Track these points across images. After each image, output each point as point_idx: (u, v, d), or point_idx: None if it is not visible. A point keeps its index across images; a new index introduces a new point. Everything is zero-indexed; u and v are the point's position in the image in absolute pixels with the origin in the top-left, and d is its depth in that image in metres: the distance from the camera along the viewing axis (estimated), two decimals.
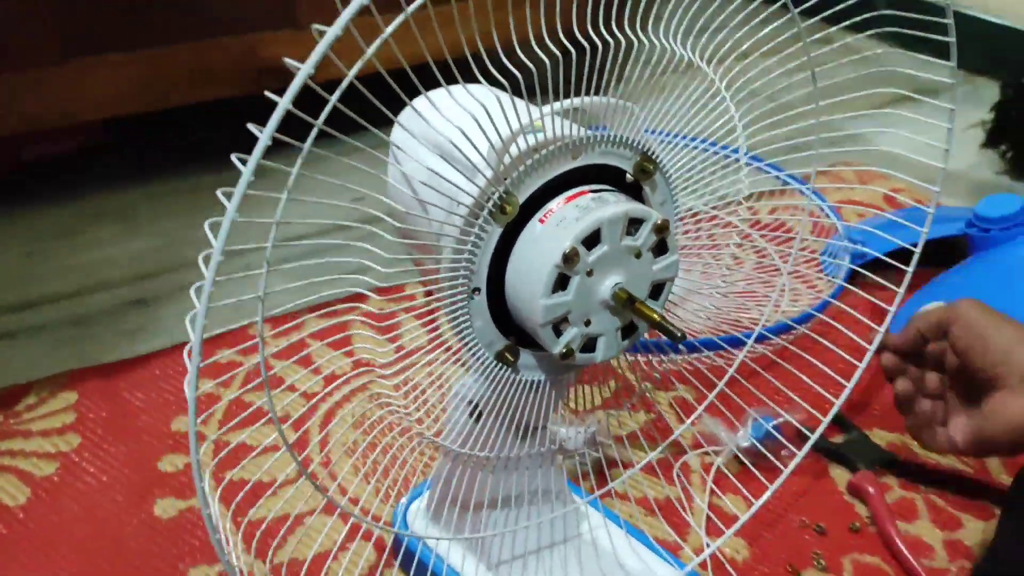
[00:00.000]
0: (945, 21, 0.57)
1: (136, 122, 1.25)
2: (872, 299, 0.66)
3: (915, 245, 0.65)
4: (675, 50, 0.53)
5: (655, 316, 0.48)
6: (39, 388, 0.87)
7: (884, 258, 0.66)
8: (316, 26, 0.36)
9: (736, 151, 0.62)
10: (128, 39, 1.15)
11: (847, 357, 0.66)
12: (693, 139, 0.57)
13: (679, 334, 0.47)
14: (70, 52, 1.11)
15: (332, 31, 0.35)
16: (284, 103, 0.35)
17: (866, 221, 1.16)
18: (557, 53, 0.47)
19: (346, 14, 0.35)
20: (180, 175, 1.30)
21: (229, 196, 0.35)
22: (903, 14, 0.57)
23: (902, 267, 0.64)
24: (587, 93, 0.50)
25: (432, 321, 0.52)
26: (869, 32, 0.59)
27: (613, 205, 0.48)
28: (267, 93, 0.36)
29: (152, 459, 0.79)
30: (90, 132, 1.32)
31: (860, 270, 0.68)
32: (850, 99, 0.60)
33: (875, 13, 0.59)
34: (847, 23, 0.59)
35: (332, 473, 0.76)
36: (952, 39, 0.57)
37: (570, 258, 0.47)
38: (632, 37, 0.51)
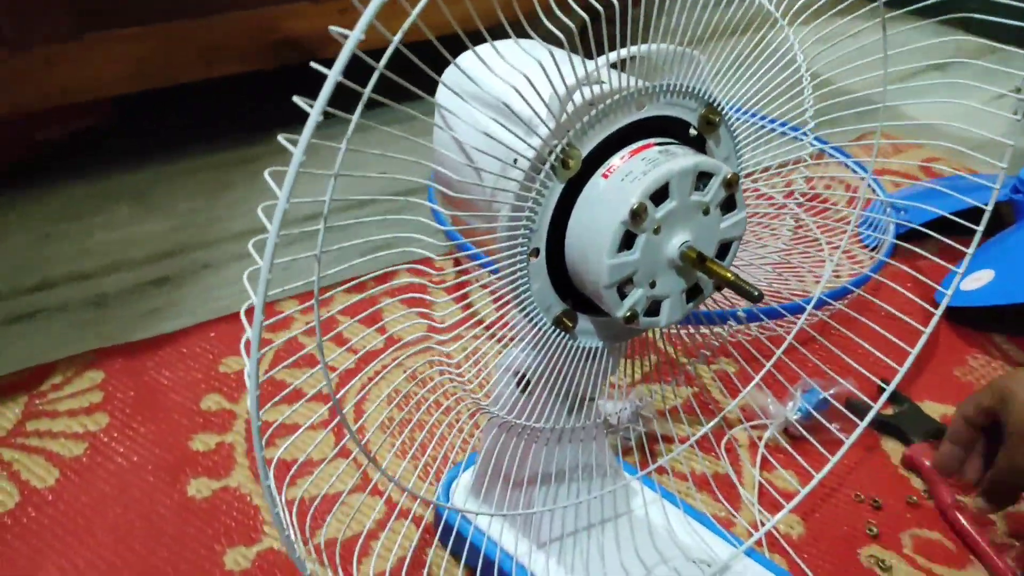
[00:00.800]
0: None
1: (147, 100, 1.22)
2: (937, 259, 0.63)
3: (987, 205, 0.61)
4: None
5: (729, 275, 0.45)
6: (64, 368, 0.85)
7: (939, 223, 0.64)
8: None
9: (795, 128, 0.59)
10: (142, 14, 1.12)
11: (909, 320, 0.63)
12: (763, 117, 0.54)
13: (756, 293, 0.44)
14: (84, 27, 1.09)
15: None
16: (334, 74, 0.32)
17: (905, 191, 1.13)
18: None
19: None
20: (194, 153, 1.28)
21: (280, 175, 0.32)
22: None
23: (935, 235, 0.61)
24: (645, 41, 0.47)
25: (462, 292, 0.49)
26: (949, 15, 0.56)
27: (682, 157, 0.45)
28: (314, 64, 0.33)
29: (183, 438, 0.77)
30: (100, 112, 1.29)
31: (926, 229, 0.65)
32: (905, 68, 0.57)
33: None
34: (929, 1, 0.56)
35: (373, 453, 0.74)
36: None
37: (638, 214, 0.44)
38: None
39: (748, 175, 0.60)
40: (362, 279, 0.49)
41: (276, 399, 0.50)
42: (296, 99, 0.32)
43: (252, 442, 0.75)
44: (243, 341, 0.35)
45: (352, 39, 0.30)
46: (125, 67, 1.13)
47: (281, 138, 0.32)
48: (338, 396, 0.45)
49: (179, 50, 1.17)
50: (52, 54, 1.07)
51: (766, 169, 0.60)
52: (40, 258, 1.05)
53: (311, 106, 0.31)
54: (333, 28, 0.32)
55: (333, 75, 0.30)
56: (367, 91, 0.36)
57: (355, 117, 0.36)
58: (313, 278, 0.40)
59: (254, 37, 1.19)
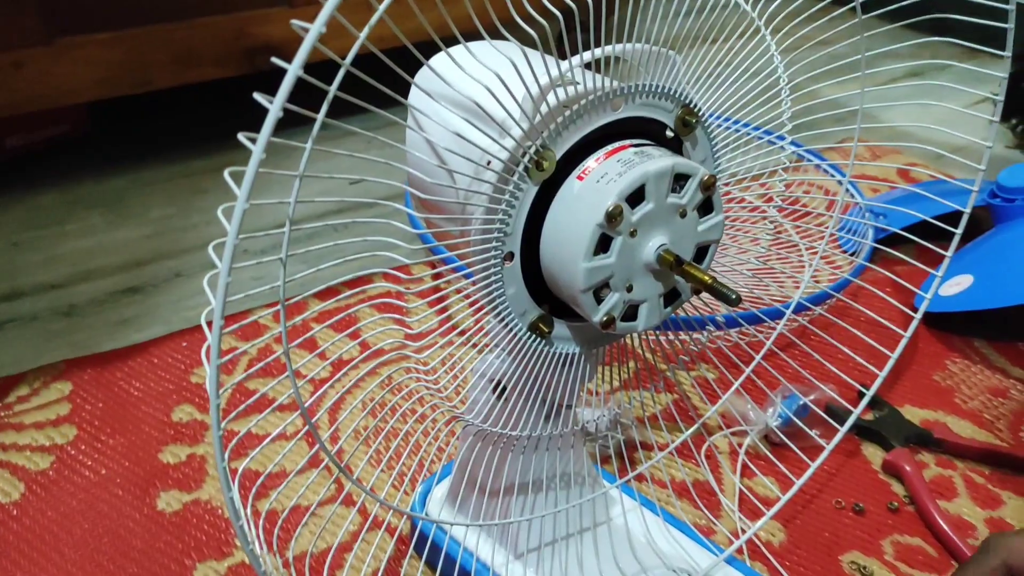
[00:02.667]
0: (1007, 7, 0.53)
1: (121, 108, 1.21)
2: (917, 263, 0.62)
3: (965, 208, 0.61)
4: None
5: (707, 279, 0.44)
6: (31, 379, 0.83)
7: (929, 224, 0.63)
8: None
9: (768, 132, 0.58)
10: (114, 18, 1.11)
11: (889, 324, 0.62)
12: (739, 123, 0.53)
13: (734, 296, 0.43)
14: (54, 32, 1.07)
15: None
16: (294, 67, 0.31)
17: (882, 196, 1.13)
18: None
19: None
20: (168, 160, 1.26)
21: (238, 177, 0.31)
22: None
23: (915, 238, 0.61)
24: (622, 40, 0.46)
25: (438, 295, 0.48)
26: (925, 16, 0.56)
27: (658, 159, 0.45)
28: (275, 59, 0.32)
29: (153, 450, 0.75)
30: (74, 119, 1.27)
31: (906, 233, 0.64)
32: (881, 71, 0.57)
33: None
34: (903, 3, 0.56)
35: (347, 464, 0.73)
36: (1011, 25, 0.54)
37: (614, 216, 0.43)
38: None
39: (727, 181, 0.59)
40: (333, 284, 0.48)
41: (242, 407, 0.48)
42: (257, 95, 0.31)
43: (228, 449, 0.74)
44: (204, 348, 0.34)
45: (313, 32, 0.29)
46: (96, 73, 1.11)
47: (241, 136, 0.31)
48: (308, 404, 0.44)
49: (152, 55, 1.15)
50: (20, 59, 1.05)
51: (745, 175, 0.59)
52: (9, 267, 1.03)
53: (271, 102, 0.29)
54: (295, 22, 0.31)
55: (293, 69, 0.29)
56: (333, 88, 0.35)
57: (320, 116, 0.35)
58: (279, 283, 0.38)
59: (228, 42, 1.18)
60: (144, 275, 1.02)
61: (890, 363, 0.63)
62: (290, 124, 0.32)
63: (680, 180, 0.45)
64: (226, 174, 0.32)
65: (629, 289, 0.46)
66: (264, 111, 0.31)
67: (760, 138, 0.57)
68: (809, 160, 0.98)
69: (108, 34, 1.11)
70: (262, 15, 1.19)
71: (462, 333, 0.49)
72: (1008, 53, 0.55)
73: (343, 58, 0.33)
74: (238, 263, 0.33)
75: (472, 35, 0.43)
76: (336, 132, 0.35)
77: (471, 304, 0.47)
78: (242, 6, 1.18)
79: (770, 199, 0.90)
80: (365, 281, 0.84)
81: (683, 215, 0.46)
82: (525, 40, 0.43)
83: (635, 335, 0.56)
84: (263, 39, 1.19)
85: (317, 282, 0.46)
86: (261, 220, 0.92)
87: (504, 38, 0.43)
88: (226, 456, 0.35)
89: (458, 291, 0.48)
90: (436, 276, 0.49)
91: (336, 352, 0.77)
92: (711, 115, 0.52)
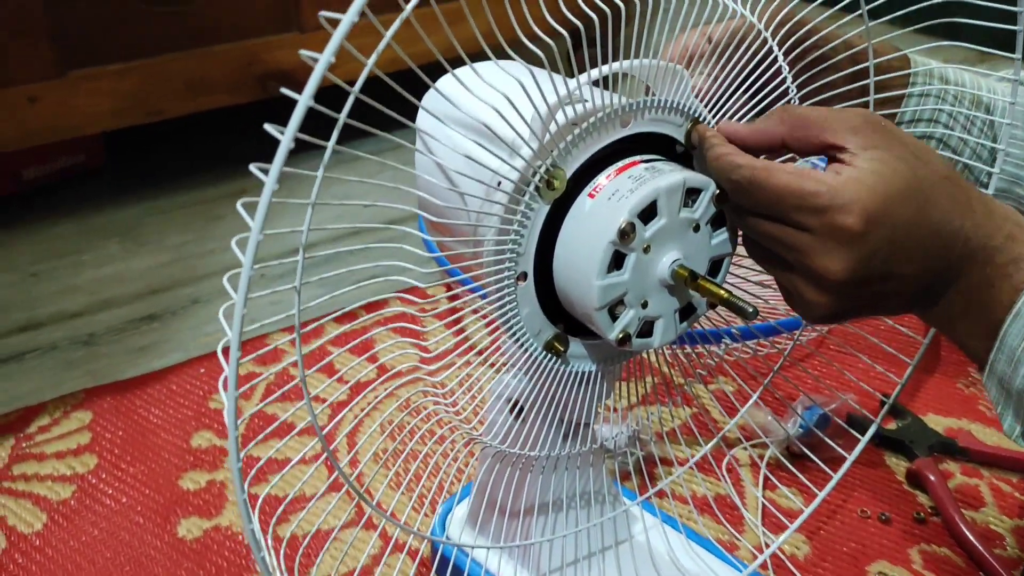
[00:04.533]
0: (1015, 9, 0.53)
1: (136, 137, 1.21)
2: None
3: None
4: (725, 3, 0.50)
5: (722, 293, 0.44)
6: (52, 409, 0.83)
7: None
8: (325, 13, 0.32)
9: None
10: (125, 50, 1.12)
11: (907, 331, 0.62)
12: None
13: (751, 310, 0.43)
14: (67, 65, 1.08)
15: (348, 17, 0.31)
16: (305, 98, 0.31)
17: None
18: (594, 14, 0.43)
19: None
20: (183, 188, 1.27)
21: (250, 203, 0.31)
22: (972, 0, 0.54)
23: None
24: (629, 56, 0.46)
25: (483, 315, 0.48)
26: (934, 20, 0.56)
27: (669, 174, 0.44)
28: (284, 90, 0.32)
29: (173, 477, 0.76)
30: (90, 149, 1.29)
31: None
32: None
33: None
34: (911, 8, 0.55)
35: (367, 488, 0.72)
36: (1021, 27, 0.53)
37: (626, 233, 0.43)
38: None
39: None
40: (348, 309, 0.48)
41: (263, 434, 0.49)
42: (267, 126, 0.31)
43: (247, 479, 0.74)
44: (221, 379, 0.34)
45: (322, 62, 0.29)
46: (109, 103, 1.12)
47: (253, 167, 0.31)
48: (325, 431, 0.44)
49: (164, 85, 1.16)
50: (35, 92, 1.06)
51: None
52: (28, 298, 1.04)
53: (282, 133, 0.30)
54: (304, 52, 0.31)
55: (303, 100, 0.29)
56: (343, 116, 0.35)
57: (331, 144, 0.35)
58: (294, 311, 0.39)
59: (240, 69, 1.19)
60: (161, 302, 1.02)
61: (909, 370, 0.62)
62: (301, 149, 0.33)
63: (692, 194, 0.45)
64: (239, 205, 0.32)
65: (644, 305, 0.46)
66: (277, 138, 0.31)
67: None
68: (814, 165, 0.97)
69: (120, 65, 1.12)
70: (273, 42, 1.20)
71: (480, 353, 0.49)
72: (1019, 55, 0.54)
73: (353, 81, 0.34)
74: (254, 291, 0.33)
75: (479, 56, 0.43)
76: (346, 156, 0.35)
77: (487, 324, 0.47)
78: (253, 33, 1.19)
79: None
80: (381, 304, 0.84)
81: (696, 229, 0.46)
82: (533, 59, 0.43)
83: (651, 350, 0.56)
84: (274, 65, 1.20)
85: (333, 307, 0.46)
86: (277, 246, 0.92)
87: (511, 58, 0.43)
88: (245, 487, 0.35)
89: (474, 311, 0.48)
90: (452, 298, 0.49)
91: (354, 376, 0.77)
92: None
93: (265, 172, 0.30)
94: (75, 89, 1.09)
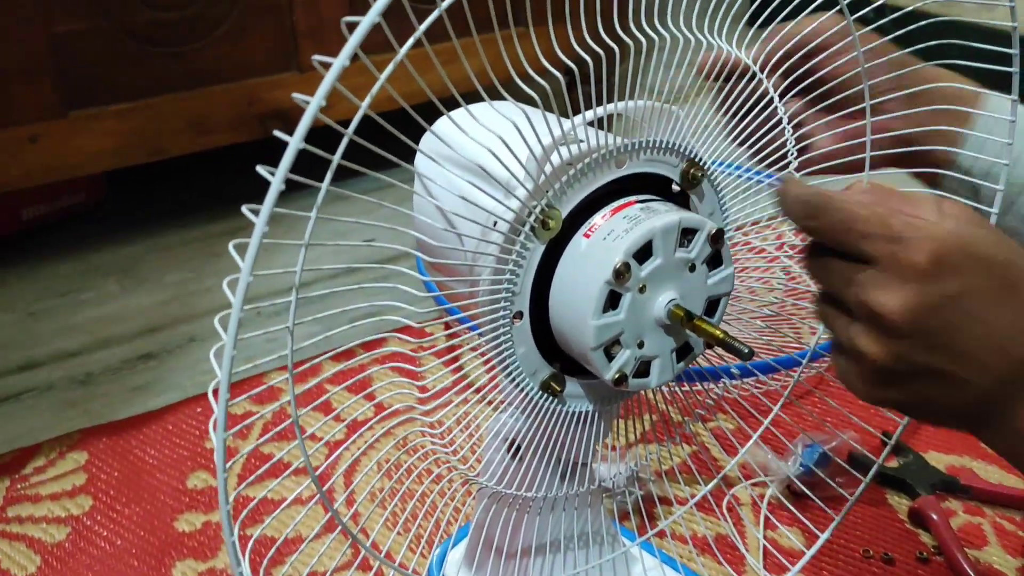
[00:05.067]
0: (1010, 51, 0.53)
1: (137, 175, 1.22)
2: None
3: None
4: (712, 42, 0.50)
5: (718, 333, 0.44)
6: (47, 450, 0.83)
7: None
8: (318, 57, 0.32)
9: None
10: (127, 90, 1.12)
11: None
12: (738, 167, 0.53)
13: (747, 351, 0.43)
14: (69, 105, 1.09)
15: (339, 61, 0.31)
16: (295, 141, 0.31)
17: None
18: (587, 56, 0.44)
19: (353, 40, 0.31)
20: (183, 226, 1.27)
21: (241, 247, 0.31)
22: (966, 43, 0.54)
23: None
24: (613, 98, 0.46)
25: (454, 355, 0.48)
26: (933, 63, 0.56)
27: (664, 214, 0.44)
28: (276, 132, 0.32)
29: (168, 519, 0.75)
30: (91, 188, 1.29)
31: None
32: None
33: (936, 43, 0.56)
34: (910, 50, 0.56)
35: (363, 527, 0.72)
36: (1015, 69, 0.54)
37: (621, 273, 0.43)
38: (664, 32, 0.48)
39: (738, 228, 0.59)
40: (342, 348, 0.48)
41: (255, 474, 0.48)
42: (259, 168, 0.31)
43: (238, 521, 0.74)
44: (212, 420, 0.34)
45: (313, 105, 0.30)
46: (111, 143, 1.13)
47: (245, 208, 0.31)
48: (319, 471, 0.43)
49: (165, 124, 1.17)
50: (36, 132, 1.06)
51: (756, 221, 0.59)
52: (26, 337, 1.04)
53: (273, 174, 0.30)
54: (296, 95, 0.31)
55: (294, 143, 0.29)
56: (336, 157, 0.35)
57: (324, 184, 0.35)
58: (287, 351, 0.38)
59: (240, 108, 1.19)
60: (159, 341, 1.02)
61: None
62: (299, 187, 0.33)
63: (688, 234, 0.45)
64: (231, 247, 0.32)
65: (640, 345, 0.46)
66: (268, 179, 0.32)
67: (763, 182, 0.57)
68: None
69: (122, 105, 1.13)
70: (273, 81, 1.21)
71: (478, 391, 0.49)
72: (1014, 96, 0.55)
73: (348, 121, 0.34)
74: (249, 331, 0.33)
75: (473, 95, 0.43)
76: (341, 195, 0.35)
77: (484, 363, 0.47)
78: (253, 73, 1.20)
79: (781, 246, 0.90)
80: (378, 343, 0.84)
81: (692, 269, 0.46)
82: (529, 99, 0.43)
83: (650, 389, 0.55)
84: (274, 104, 1.21)
85: (329, 345, 0.46)
86: (274, 283, 0.93)
87: (506, 98, 0.43)
88: (235, 531, 0.35)
89: (472, 349, 0.48)
90: (449, 336, 0.49)
91: (350, 415, 0.77)
92: (718, 163, 0.52)
93: (256, 213, 0.30)
94: (77, 129, 1.10)
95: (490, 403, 0.50)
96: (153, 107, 1.14)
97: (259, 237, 0.30)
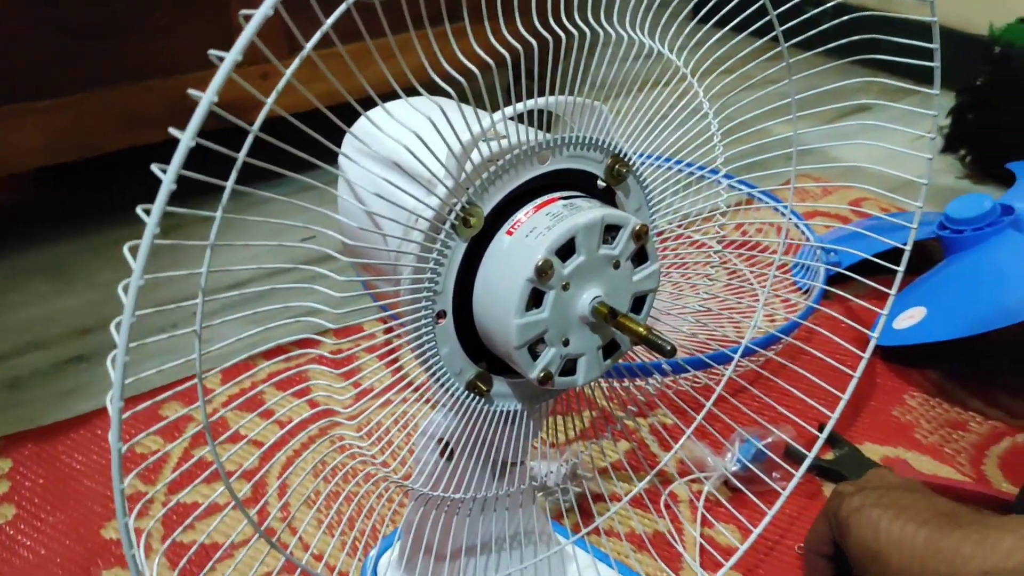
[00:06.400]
0: (931, 46, 0.54)
1: (67, 173, 1.19)
2: (865, 303, 0.62)
3: (905, 245, 0.61)
4: (643, 41, 0.50)
5: (641, 330, 0.44)
6: None
7: (870, 261, 0.63)
8: (213, 52, 0.31)
9: (714, 171, 0.58)
10: (55, 85, 1.09)
11: (839, 365, 0.62)
12: (668, 159, 0.53)
13: (669, 347, 0.42)
14: None
15: (232, 55, 0.30)
16: (187, 137, 0.30)
17: (832, 233, 1.14)
18: (504, 51, 0.43)
19: (247, 32, 0.30)
20: (116, 225, 1.24)
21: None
22: (887, 38, 0.54)
23: (861, 279, 0.60)
24: (548, 91, 0.46)
25: (394, 356, 0.47)
26: (852, 58, 0.56)
27: (587, 211, 0.44)
28: (171, 130, 0.31)
29: (95, 527, 0.73)
30: (19, 187, 1.25)
31: (852, 273, 0.64)
32: (819, 112, 0.57)
33: (860, 37, 0.56)
34: (831, 45, 0.56)
35: (292, 527, 0.70)
36: (937, 64, 0.54)
37: (544, 271, 0.42)
38: (596, 27, 0.47)
39: (680, 223, 0.59)
40: (255, 353, 0.46)
41: (170, 478, 0.47)
42: (153, 167, 0.30)
43: (169, 528, 0.72)
44: (111, 432, 0.32)
45: (205, 100, 0.28)
46: (39, 140, 1.09)
47: (139, 209, 0.30)
48: (234, 477, 0.42)
49: (98, 120, 1.14)
50: None
51: (689, 216, 0.59)
52: None
53: (165, 172, 0.28)
54: (191, 91, 0.30)
55: (185, 139, 0.28)
56: (241, 155, 0.34)
57: (230, 184, 0.34)
58: (194, 355, 0.37)
59: (174, 103, 1.17)
60: (91, 343, 0.99)
61: (842, 402, 0.62)
62: (254, 182, 0.32)
63: (612, 231, 0.45)
64: (125, 249, 0.31)
65: (566, 343, 0.45)
66: (216, 173, 0.31)
67: (694, 174, 0.56)
68: (755, 198, 0.98)
69: (51, 101, 1.09)
70: (208, 76, 1.17)
71: (401, 392, 0.48)
72: (936, 91, 0.55)
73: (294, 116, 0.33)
74: (157, 335, 0.32)
75: (405, 91, 0.42)
76: (270, 199, 0.34)
77: (388, 363, 0.46)
78: (187, 68, 1.17)
79: (722, 241, 0.90)
80: (300, 345, 0.82)
81: (617, 266, 0.45)
82: (463, 95, 0.42)
83: (587, 385, 0.55)
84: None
85: (246, 347, 0.45)
86: (215, 281, 0.91)
87: (444, 93, 0.42)
88: (132, 517, 0.34)
89: (392, 351, 0.47)
90: (370, 337, 0.47)
91: (276, 413, 0.75)
92: (650, 156, 0.51)
93: (149, 212, 0.29)
94: (4, 125, 1.06)
95: (418, 401, 0.49)
96: (82, 103, 1.11)
97: (150, 238, 0.28)
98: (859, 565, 0.57)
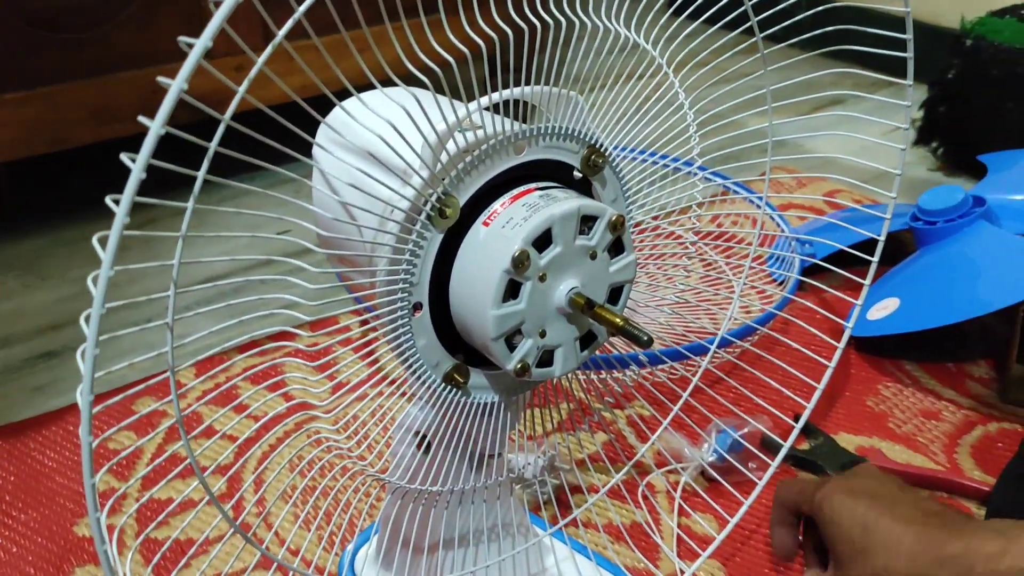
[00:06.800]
0: (904, 36, 0.54)
1: (39, 166, 1.17)
2: (840, 294, 0.62)
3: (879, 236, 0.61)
4: (619, 31, 0.49)
5: (617, 321, 0.43)
6: None
7: (845, 252, 0.63)
8: (183, 38, 0.31)
9: (688, 163, 0.58)
10: (26, 78, 1.08)
11: (814, 356, 0.62)
12: (643, 151, 0.53)
13: (646, 338, 0.42)
14: None
15: (202, 41, 0.30)
16: (156, 125, 0.29)
17: (806, 225, 1.14)
18: (480, 41, 0.42)
19: (217, 18, 0.30)
20: (88, 218, 1.22)
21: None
22: (861, 28, 0.54)
23: (836, 269, 0.61)
24: (526, 82, 0.45)
25: (370, 348, 0.47)
26: (826, 49, 0.56)
27: (564, 201, 0.44)
28: (141, 118, 0.30)
29: (67, 524, 0.72)
30: None
31: (828, 263, 0.64)
32: (794, 103, 0.57)
33: (833, 28, 0.56)
34: (805, 36, 0.56)
35: (268, 522, 0.70)
36: (910, 55, 0.54)
37: (521, 262, 0.42)
38: (572, 17, 0.47)
39: (656, 215, 0.59)
40: (228, 347, 0.46)
41: (143, 473, 0.46)
42: (123, 156, 0.29)
43: (143, 524, 0.71)
44: (81, 428, 0.32)
45: (174, 88, 0.28)
46: (10, 133, 1.08)
47: (108, 199, 0.29)
48: (207, 472, 0.42)
49: (68, 113, 1.12)
50: None
51: (664, 208, 0.59)
52: None
53: (134, 160, 0.28)
54: (160, 78, 0.30)
55: (155, 127, 0.28)
56: (213, 144, 0.34)
57: (201, 173, 0.34)
58: (166, 348, 0.37)
59: (145, 96, 1.15)
60: (62, 338, 0.98)
61: (817, 392, 0.62)
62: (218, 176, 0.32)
63: (588, 222, 0.45)
64: (94, 240, 0.30)
65: (543, 334, 0.45)
66: (190, 165, 0.30)
67: (668, 166, 0.56)
68: (729, 189, 0.98)
69: (21, 93, 1.08)
70: (179, 68, 1.17)
71: (376, 385, 0.48)
72: (909, 82, 0.55)
73: (275, 107, 0.32)
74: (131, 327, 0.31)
75: (382, 83, 0.42)
76: (241, 190, 0.34)
77: (365, 355, 0.46)
78: (160, 60, 1.16)
79: (700, 234, 0.90)
80: (273, 338, 0.82)
81: (593, 257, 0.45)
82: (439, 86, 0.42)
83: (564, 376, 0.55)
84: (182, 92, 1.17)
85: (219, 340, 0.44)
86: (194, 273, 0.90)
87: (420, 84, 0.41)
88: (104, 513, 0.33)
89: (369, 343, 0.46)
90: (345, 329, 0.47)
91: (250, 408, 0.75)
92: (625, 149, 0.51)
93: (118, 202, 0.28)
94: None
95: (395, 394, 0.49)
96: (54, 95, 1.10)
97: (119, 228, 0.28)
98: (839, 556, 0.57)
